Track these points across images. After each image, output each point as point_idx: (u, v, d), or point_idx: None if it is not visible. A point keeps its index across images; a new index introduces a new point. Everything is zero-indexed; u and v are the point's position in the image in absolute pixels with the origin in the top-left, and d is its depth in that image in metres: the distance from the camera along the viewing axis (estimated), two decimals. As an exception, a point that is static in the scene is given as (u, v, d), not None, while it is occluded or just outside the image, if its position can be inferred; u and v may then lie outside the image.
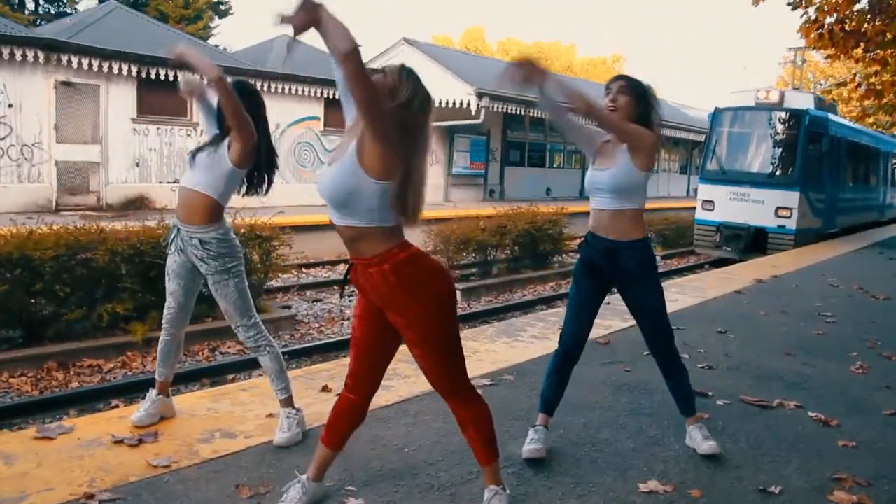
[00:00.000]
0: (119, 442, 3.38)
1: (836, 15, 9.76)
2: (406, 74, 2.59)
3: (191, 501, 2.86)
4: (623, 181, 3.34)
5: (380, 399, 4.11)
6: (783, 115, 15.31)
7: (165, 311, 3.68)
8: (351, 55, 2.31)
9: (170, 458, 3.22)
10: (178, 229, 3.52)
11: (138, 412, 3.64)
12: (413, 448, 3.50)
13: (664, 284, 8.70)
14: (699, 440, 3.57)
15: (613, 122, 3.27)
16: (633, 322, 5.78)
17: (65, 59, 14.54)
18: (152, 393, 3.69)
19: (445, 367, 2.66)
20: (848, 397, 4.66)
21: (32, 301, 6.90)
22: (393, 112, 2.47)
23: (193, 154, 3.53)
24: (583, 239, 3.62)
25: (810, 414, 4.26)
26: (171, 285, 3.63)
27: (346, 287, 2.83)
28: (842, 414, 4.28)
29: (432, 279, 2.56)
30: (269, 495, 2.93)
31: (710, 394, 4.53)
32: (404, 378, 4.52)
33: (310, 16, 2.27)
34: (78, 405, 5.87)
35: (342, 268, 13.39)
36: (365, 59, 2.35)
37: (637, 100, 3.35)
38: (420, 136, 2.56)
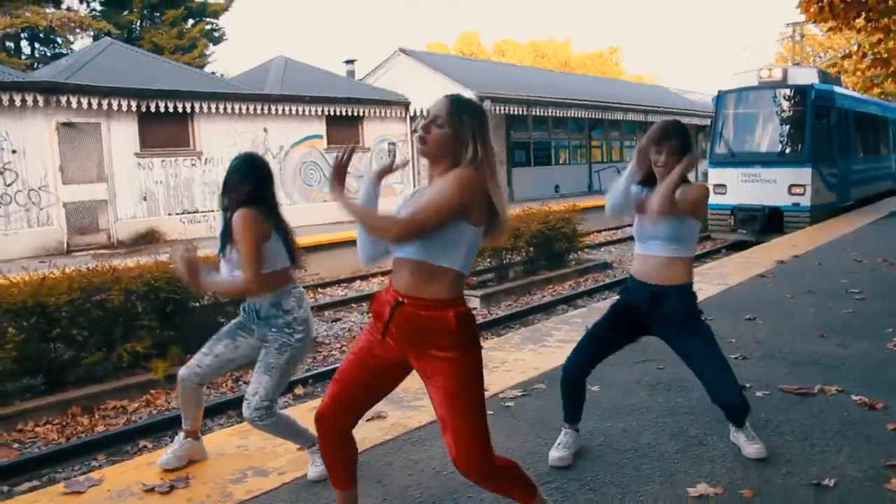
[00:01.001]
0: (150, 490, 3.29)
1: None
2: (457, 113, 2.44)
3: (229, 547, 2.78)
4: (680, 230, 3.30)
5: (411, 420, 4.03)
6: (788, 91, 15.17)
7: (202, 367, 3.48)
8: (398, 234, 2.34)
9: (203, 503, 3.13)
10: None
11: (165, 455, 3.55)
12: (451, 470, 3.37)
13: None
14: (744, 442, 3.46)
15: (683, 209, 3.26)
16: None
17: (64, 100, 14.55)
18: (181, 436, 3.60)
19: (475, 427, 2.49)
20: (890, 377, 4.54)
21: (51, 347, 6.87)
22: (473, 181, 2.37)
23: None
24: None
25: (854, 398, 4.13)
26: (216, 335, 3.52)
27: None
28: (886, 395, 4.16)
29: (477, 337, 2.49)
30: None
31: (748, 385, 4.40)
32: (434, 396, 4.42)
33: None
34: (106, 449, 5.80)
35: (359, 284, 13.32)
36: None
37: (682, 152, 3.30)
38: (492, 157, 2.47)
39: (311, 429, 3.16)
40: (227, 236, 3.30)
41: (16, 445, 5.99)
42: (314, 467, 3.35)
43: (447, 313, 2.38)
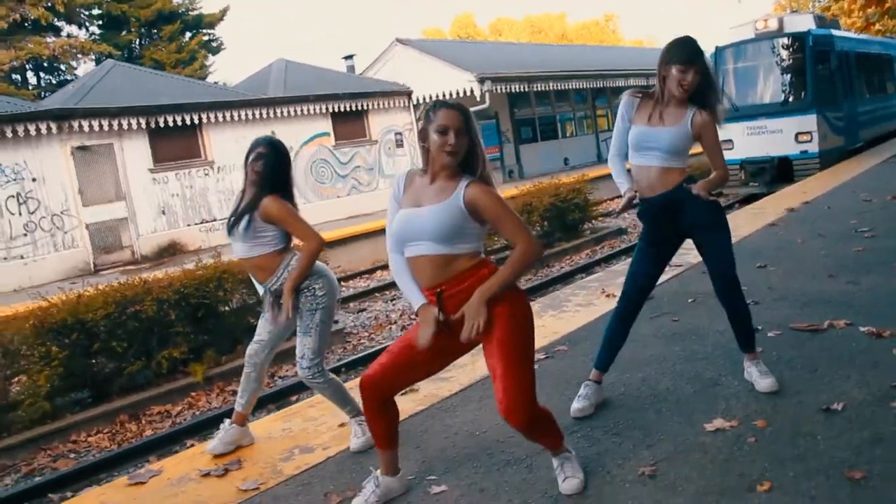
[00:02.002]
0: (206, 475, 3.56)
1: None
2: (469, 121, 2.75)
3: (286, 516, 3.03)
4: (680, 143, 3.49)
5: (442, 391, 4.26)
6: (785, 40, 15.17)
7: (256, 348, 3.81)
8: (537, 250, 2.80)
9: (257, 481, 3.39)
10: None
11: (213, 442, 3.82)
12: (483, 430, 3.63)
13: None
14: (756, 377, 3.66)
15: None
16: (673, 273, 5.89)
17: (76, 124, 14.88)
18: (226, 423, 3.85)
19: (525, 374, 2.75)
20: (897, 307, 4.71)
21: (93, 361, 7.17)
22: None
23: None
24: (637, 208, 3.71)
25: (861, 329, 4.31)
26: (259, 325, 3.81)
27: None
28: (894, 324, 4.33)
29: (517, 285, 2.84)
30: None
31: (759, 328, 4.59)
32: (461, 367, 4.64)
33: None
34: (156, 451, 6.08)
35: (380, 274, 13.57)
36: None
37: (703, 78, 3.48)
38: None
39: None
40: (242, 215, 3.62)
41: (72, 455, 6.31)
42: (356, 439, 3.61)
43: (481, 272, 2.70)
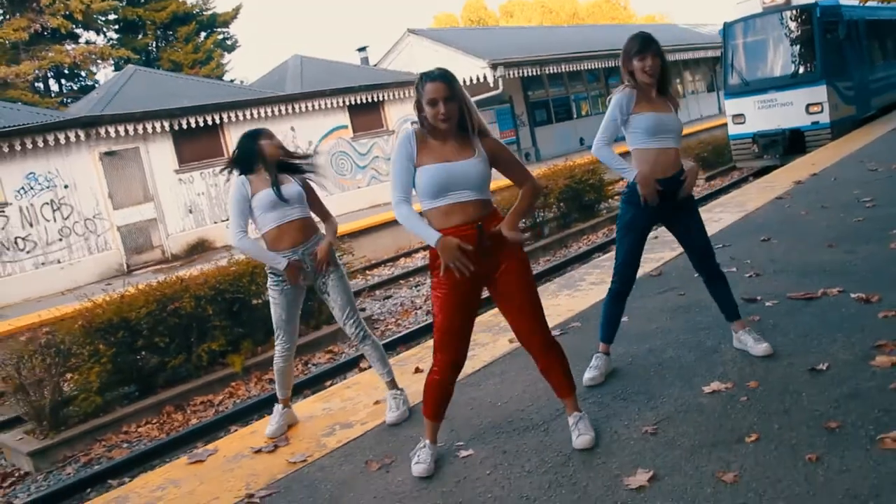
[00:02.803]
0: (258, 451, 3.98)
1: None
2: (455, 86, 3.14)
3: (332, 482, 3.44)
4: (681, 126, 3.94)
5: (466, 367, 4.61)
6: (793, 13, 15.28)
7: (282, 342, 4.21)
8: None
9: (304, 454, 3.80)
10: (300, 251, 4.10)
11: (270, 426, 4.23)
12: (504, 401, 4.02)
13: (709, 205, 9.06)
14: (751, 344, 4.00)
15: None
16: (681, 250, 6.23)
17: (102, 131, 15.41)
18: (279, 407, 4.27)
19: (540, 303, 3.34)
20: (888, 273, 5.01)
21: (138, 357, 7.63)
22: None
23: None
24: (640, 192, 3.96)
25: (852, 296, 4.63)
26: (284, 315, 4.17)
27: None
28: (883, 289, 4.64)
29: None
30: (394, 464, 3.49)
31: (758, 298, 4.94)
32: (483, 346, 5.03)
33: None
34: (203, 437, 6.50)
35: (403, 262, 13.97)
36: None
37: (662, 60, 3.91)
38: None
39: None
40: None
41: (125, 445, 6.77)
42: (391, 413, 4.01)
43: (495, 210, 3.26)
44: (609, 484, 2.93)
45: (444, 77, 3.10)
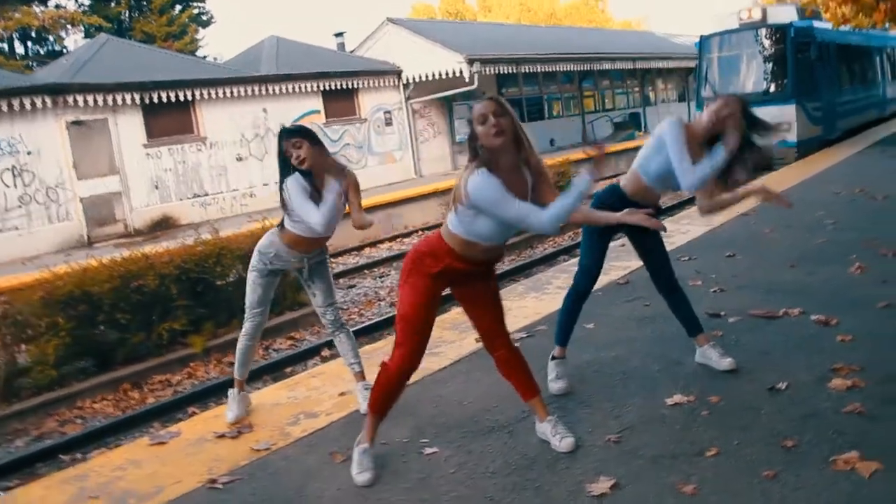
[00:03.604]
0: (221, 436, 3.97)
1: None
2: (503, 106, 3.08)
3: (296, 472, 3.45)
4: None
5: (433, 365, 4.69)
6: (768, 31, 15.59)
7: (253, 322, 4.22)
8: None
9: (268, 442, 3.80)
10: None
11: (231, 411, 4.21)
12: (470, 400, 4.06)
13: (677, 216, 9.17)
14: (716, 359, 4.08)
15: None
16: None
17: (71, 99, 15.13)
18: (234, 391, 4.26)
19: (502, 308, 3.44)
20: (847, 297, 5.16)
21: (97, 332, 7.53)
22: None
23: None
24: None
25: (813, 317, 4.76)
26: (263, 296, 4.19)
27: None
28: (841, 313, 4.78)
29: None
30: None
31: (722, 313, 5.05)
32: (450, 343, 5.07)
33: None
34: (160, 417, 6.45)
35: (368, 252, 13.96)
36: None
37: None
38: None
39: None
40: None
41: (79, 420, 6.70)
42: (365, 403, 3.98)
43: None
44: (572, 489, 2.98)
45: (490, 98, 3.10)
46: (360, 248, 14.43)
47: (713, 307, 5.16)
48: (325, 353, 7.54)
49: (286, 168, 3.91)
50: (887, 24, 18.90)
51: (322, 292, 4.17)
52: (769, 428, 3.31)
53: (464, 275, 3.23)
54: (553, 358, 4.16)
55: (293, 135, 3.87)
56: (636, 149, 4.48)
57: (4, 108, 14.27)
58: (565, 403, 3.87)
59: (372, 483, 3.25)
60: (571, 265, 7.44)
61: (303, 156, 3.80)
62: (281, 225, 4.07)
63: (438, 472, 3.28)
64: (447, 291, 3.37)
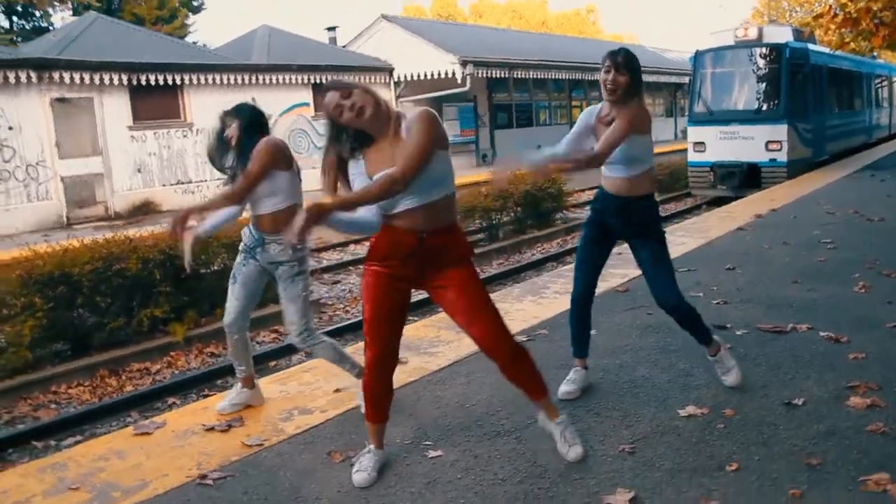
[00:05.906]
0: (210, 429, 3.77)
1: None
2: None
3: (291, 470, 3.26)
4: (633, 150, 3.60)
5: (431, 364, 4.52)
6: (763, 50, 15.59)
7: (233, 316, 3.96)
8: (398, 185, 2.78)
9: (260, 438, 3.61)
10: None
11: (223, 402, 4.01)
12: (472, 403, 3.90)
13: (671, 229, 9.09)
14: (723, 372, 3.95)
15: (605, 152, 3.48)
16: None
17: (56, 76, 14.78)
18: (238, 386, 4.05)
19: (497, 314, 3.07)
20: (854, 315, 5.07)
21: (76, 314, 7.28)
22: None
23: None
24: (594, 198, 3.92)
25: (821, 334, 4.66)
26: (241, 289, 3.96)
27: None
28: (850, 331, 4.69)
29: None
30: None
31: (728, 325, 4.93)
32: (448, 343, 4.91)
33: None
34: (137, 406, 6.21)
35: (353, 248, 13.75)
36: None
37: (632, 75, 3.62)
38: None
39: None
40: None
41: (53, 406, 6.44)
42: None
43: (461, 234, 3.05)
44: (589, 501, 2.83)
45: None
46: (344, 245, 14.21)
47: (718, 319, 5.03)
48: (311, 348, 7.34)
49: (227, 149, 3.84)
50: (875, 53, 19.05)
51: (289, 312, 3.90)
52: (789, 444, 3.18)
53: (408, 258, 2.94)
54: (576, 367, 4.02)
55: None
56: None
57: (-14, 81, 13.92)
58: (572, 410, 3.71)
59: (369, 485, 3.07)
60: (568, 270, 7.32)
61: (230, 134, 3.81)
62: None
63: (445, 476, 3.11)
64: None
